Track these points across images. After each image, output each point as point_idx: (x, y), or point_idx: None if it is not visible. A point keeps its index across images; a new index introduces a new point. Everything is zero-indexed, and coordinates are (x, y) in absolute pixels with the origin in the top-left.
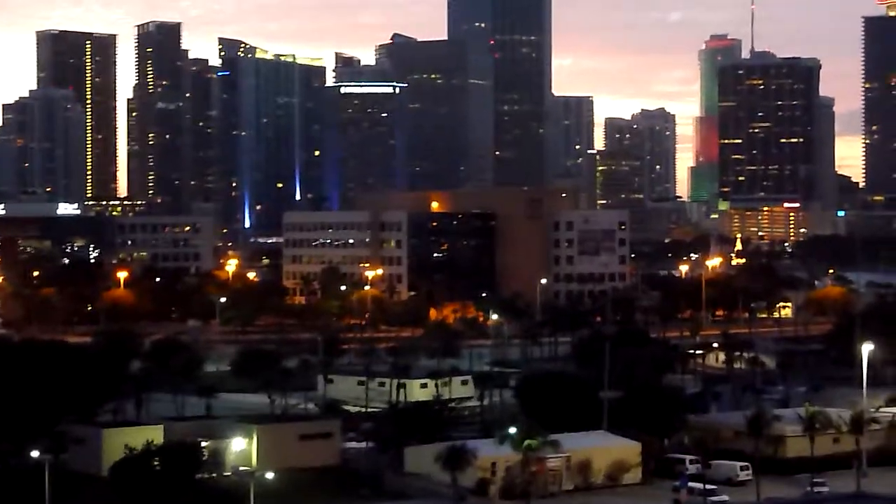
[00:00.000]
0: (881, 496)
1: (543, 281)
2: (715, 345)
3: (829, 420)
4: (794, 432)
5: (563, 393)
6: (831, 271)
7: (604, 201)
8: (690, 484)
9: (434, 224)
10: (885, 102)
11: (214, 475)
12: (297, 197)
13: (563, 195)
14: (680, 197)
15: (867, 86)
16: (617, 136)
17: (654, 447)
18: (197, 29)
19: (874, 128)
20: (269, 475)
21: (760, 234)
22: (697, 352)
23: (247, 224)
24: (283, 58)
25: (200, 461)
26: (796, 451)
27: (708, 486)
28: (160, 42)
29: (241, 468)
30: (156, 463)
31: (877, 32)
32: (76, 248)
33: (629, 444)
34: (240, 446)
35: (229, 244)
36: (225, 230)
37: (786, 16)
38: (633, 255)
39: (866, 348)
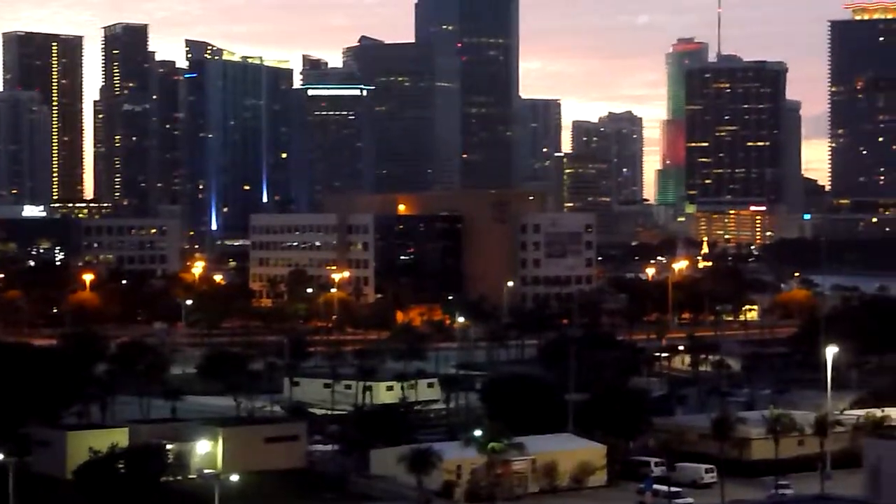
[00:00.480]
0: (844, 498)
1: (510, 284)
2: (681, 347)
3: (793, 423)
4: (758, 435)
5: (528, 396)
6: (797, 274)
7: (571, 204)
8: (655, 486)
9: (401, 226)
10: (850, 106)
11: (179, 478)
12: (265, 199)
13: (531, 198)
14: (647, 200)
15: (833, 89)
16: (584, 139)
17: (620, 449)
18: (164, 31)
19: (840, 131)
20: (234, 478)
21: (727, 237)
22: (663, 354)
23: (213, 226)
24: (250, 60)
25: (165, 464)
26: (761, 453)
27: (672, 489)
28: (127, 44)
29: (207, 471)
30: (120, 466)
31: (843, 36)
32: (42, 251)
33: (594, 447)
34: (205, 449)
35: (196, 246)
36: (192, 232)
37: (752, 19)
38: (599, 258)
39: (830, 351)
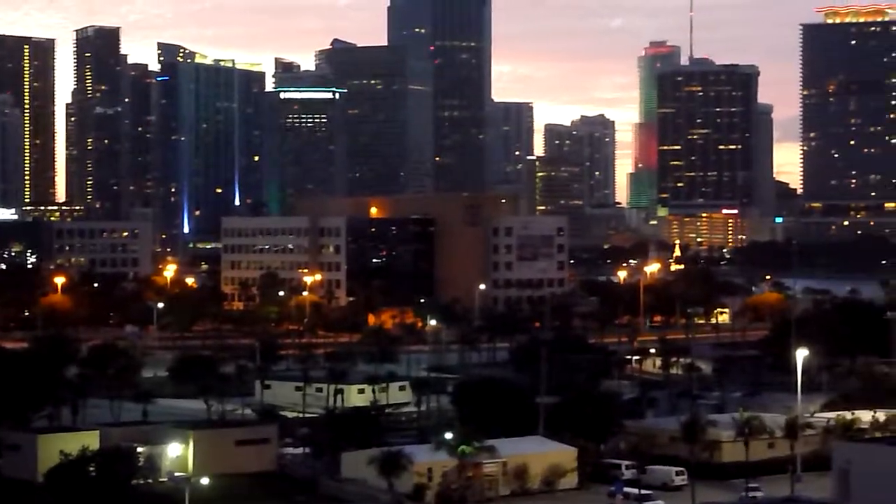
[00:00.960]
0: (813, 501)
1: (482, 287)
2: (652, 350)
3: (763, 425)
4: (729, 437)
5: (499, 398)
6: (768, 277)
7: (543, 207)
8: (626, 489)
9: (373, 229)
10: (822, 109)
11: (150, 481)
12: (237, 202)
13: (503, 201)
14: (619, 203)
15: (805, 93)
16: (556, 142)
17: (591, 452)
18: (136, 34)
19: (812, 135)
20: (205, 480)
21: (699, 240)
22: (634, 357)
23: (186, 229)
24: (222, 63)
25: (136, 467)
26: (731, 456)
27: (643, 491)
28: (99, 47)
29: (178, 474)
30: (91, 469)
31: (814, 40)
32: (14, 254)
33: (565, 450)
34: (176, 452)
35: (168, 249)
36: (164, 235)
37: (725, 23)
38: (572, 261)
39: (801, 354)
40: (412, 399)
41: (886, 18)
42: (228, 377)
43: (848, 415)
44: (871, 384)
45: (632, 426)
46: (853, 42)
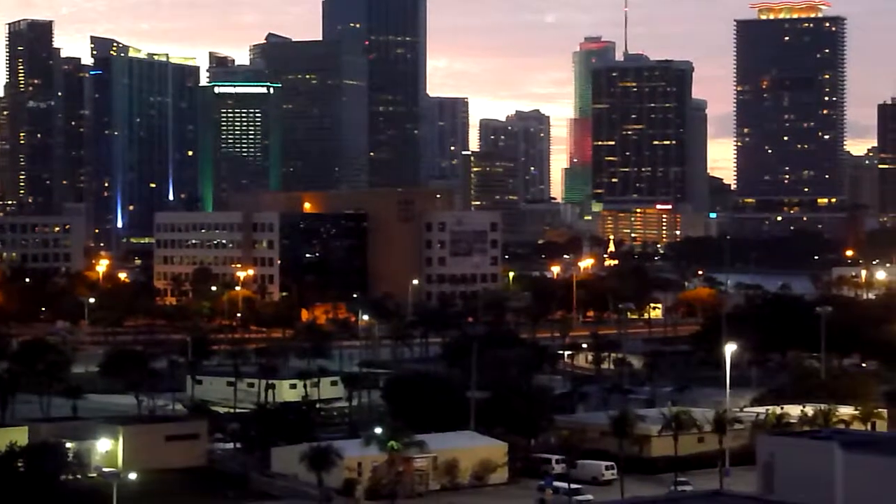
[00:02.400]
0: (737, 494)
1: (415, 282)
2: (584, 345)
3: (692, 420)
4: (661, 432)
5: (430, 393)
6: (700, 273)
7: (478, 202)
8: (555, 483)
9: (306, 225)
10: (756, 105)
11: (79, 476)
12: (171, 197)
13: (438, 196)
14: (554, 198)
15: (739, 89)
16: (492, 137)
17: (521, 447)
18: (69, 27)
19: (745, 130)
20: (132, 476)
21: (633, 235)
22: (567, 352)
23: (119, 224)
24: (156, 57)
25: (65, 462)
26: (661, 450)
27: (572, 486)
28: (32, 40)
29: (107, 469)
30: (19, 464)
31: (748, 36)
32: None
33: (496, 444)
34: (105, 447)
35: (102, 244)
36: (97, 231)
37: (659, 18)
38: (507, 257)
39: (729, 349)
40: (344, 394)
41: (819, 15)
42: (159, 372)
43: (777, 409)
44: (801, 379)
45: (562, 421)
46: (786, 38)
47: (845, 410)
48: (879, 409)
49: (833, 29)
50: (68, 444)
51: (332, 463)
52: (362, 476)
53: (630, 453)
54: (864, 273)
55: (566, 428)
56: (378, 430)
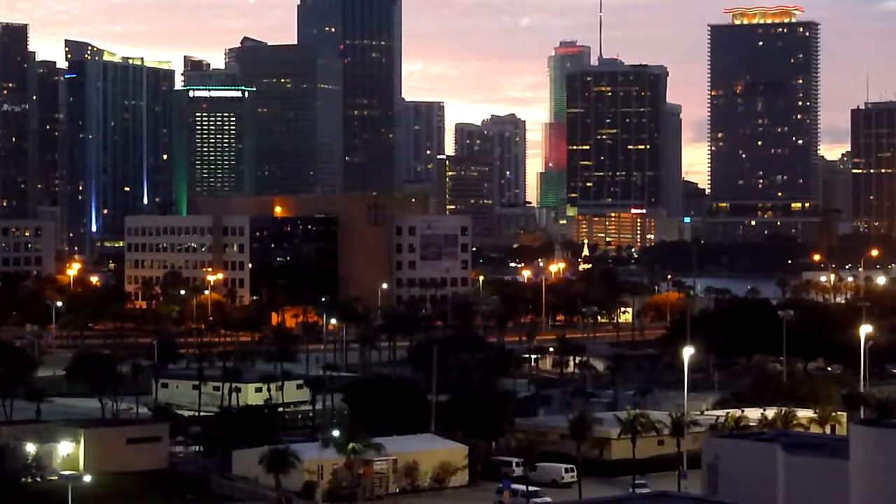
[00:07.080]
0: (683, 496)
1: (384, 285)
2: (550, 349)
3: (651, 423)
4: (618, 435)
5: (391, 397)
6: (669, 277)
7: (453, 207)
8: (513, 486)
9: (277, 229)
10: (730, 110)
11: (39, 479)
12: (145, 201)
13: (413, 200)
14: (529, 202)
15: (713, 93)
16: (467, 141)
17: (481, 450)
18: (43, 30)
19: (720, 135)
20: (87, 478)
21: (608, 239)
22: (532, 356)
23: (94, 228)
24: (131, 60)
25: (24, 464)
26: (620, 453)
27: (531, 488)
28: (5, 43)
29: (68, 472)
30: None
31: (723, 40)
32: None
33: (456, 447)
34: (67, 450)
35: (76, 248)
36: (71, 234)
37: (633, 23)
38: (481, 261)
39: (688, 352)
40: (308, 398)
41: (793, 20)
42: (123, 375)
43: (737, 412)
44: (763, 382)
45: (523, 424)
46: (760, 43)
47: (805, 414)
48: (838, 413)
49: (806, 34)
50: (29, 447)
51: (291, 465)
52: (322, 479)
53: (590, 456)
54: (832, 277)
55: (527, 431)
56: (336, 433)
